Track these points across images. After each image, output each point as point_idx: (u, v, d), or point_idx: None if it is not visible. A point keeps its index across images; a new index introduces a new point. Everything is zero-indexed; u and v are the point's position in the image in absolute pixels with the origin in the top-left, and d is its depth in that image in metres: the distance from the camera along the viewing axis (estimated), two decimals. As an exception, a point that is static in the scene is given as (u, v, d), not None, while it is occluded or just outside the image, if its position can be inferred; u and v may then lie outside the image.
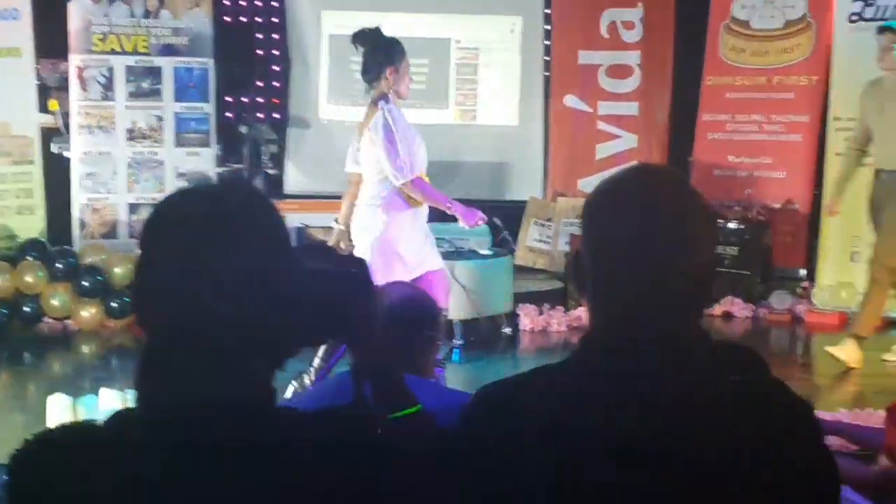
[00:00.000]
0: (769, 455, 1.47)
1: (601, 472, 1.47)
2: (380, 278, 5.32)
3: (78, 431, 1.41)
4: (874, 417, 5.10)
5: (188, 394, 1.36)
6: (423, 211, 5.69)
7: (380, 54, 5.58)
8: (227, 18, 9.27)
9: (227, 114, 9.13)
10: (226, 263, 1.37)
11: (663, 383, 1.50)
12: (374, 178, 5.59)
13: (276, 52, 9.61)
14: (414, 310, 2.78)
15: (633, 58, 9.30)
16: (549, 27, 9.61)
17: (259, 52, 9.55)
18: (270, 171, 9.45)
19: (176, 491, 1.33)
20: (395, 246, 5.51)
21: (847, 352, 6.68)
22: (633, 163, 8.10)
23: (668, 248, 1.55)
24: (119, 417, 1.42)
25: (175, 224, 1.41)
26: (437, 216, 8.20)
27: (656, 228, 1.55)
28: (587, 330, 1.62)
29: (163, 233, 1.42)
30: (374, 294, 1.61)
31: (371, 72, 5.59)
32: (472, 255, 7.53)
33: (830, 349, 6.81)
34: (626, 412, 1.49)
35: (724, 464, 1.46)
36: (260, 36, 9.62)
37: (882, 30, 6.98)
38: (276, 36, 9.71)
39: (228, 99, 9.20)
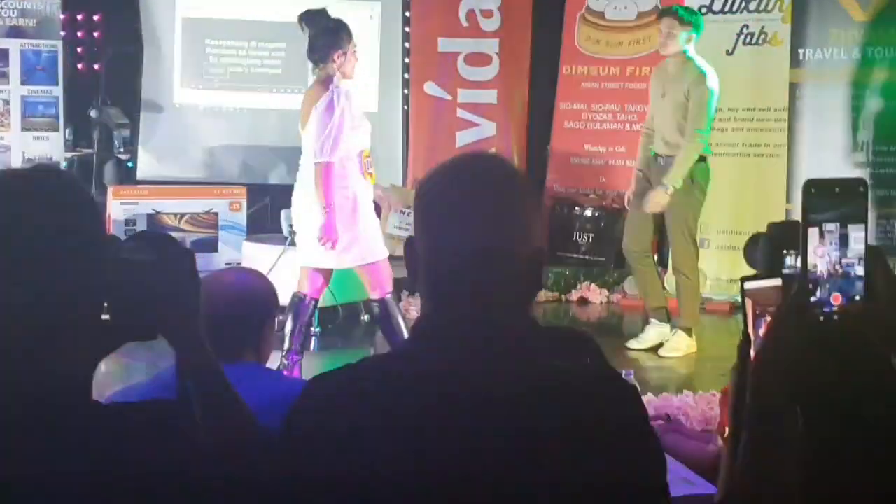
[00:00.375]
0: (592, 439, 1.49)
1: (429, 462, 1.47)
2: (332, 263, 5.59)
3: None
4: (716, 398, 5.26)
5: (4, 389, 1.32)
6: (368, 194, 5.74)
7: (328, 37, 5.79)
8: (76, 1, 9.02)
9: (77, 97, 8.88)
10: (34, 254, 1.32)
11: (490, 370, 1.52)
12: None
13: (127, 35, 9.39)
14: (259, 294, 2.77)
15: (491, 46, 9.37)
16: (408, 14, 9.62)
17: (110, 34, 9.32)
18: (122, 157, 9.24)
19: None
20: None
21: (678, 343, 6.87)
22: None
23: (494, 235, 1.56)
24: None
25: None
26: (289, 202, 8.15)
27: (482, 216, 1.57)
28: (418, 317, 1.64)
29: None
30: (195, 288, 1.56)
31: (318, 52, 5.78)
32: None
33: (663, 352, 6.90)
34: (454, 401, 1.50)
35: (549, 449, 1.48)
36: (112, 18, 9.39)
37: (662, 14, 6.98)
38: (128, 18, 9.49)
39: (78, 82, 8.95)
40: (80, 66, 9.03)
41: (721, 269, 8.36)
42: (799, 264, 1.39)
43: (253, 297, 2.73)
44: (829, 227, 1.36)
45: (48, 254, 1.35)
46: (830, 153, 7.58)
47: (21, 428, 1.32)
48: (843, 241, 1.36)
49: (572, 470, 1.47)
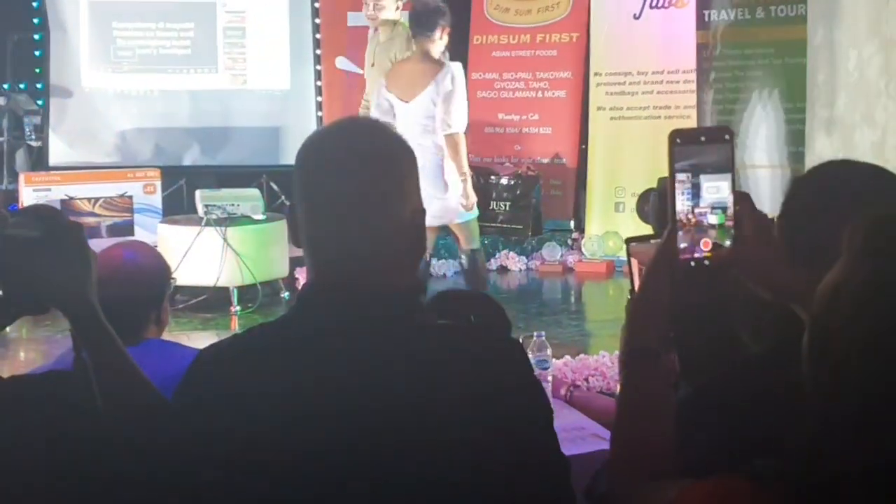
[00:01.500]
0: (478, 396, 1.52)
1: (313, 427, 1.49)
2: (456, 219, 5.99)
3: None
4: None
5: None
6: None
7: (436, 11, 6.07)
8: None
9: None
10: None
11: (372, 332, 1.53)
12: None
13: (33, 19, 9.23)
14: (158, 267, 2.77)
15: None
16: (316, -11, 9.57)
17: (14, 19, 9.14)
18: (33, 143, 9.10)
19: None
20: None
21: None
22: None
23: (371, 197, 1.58)
24: None
25: None
26: (213, 182, 8.10)
27: (361, 180, 1.58)
28: (304, 284, 1.65)
29: None
30: (85, 258, 1.57)
31: (426, 26, 6.02)
32: (246, 220, 7.47)
33: None
34: (339, 366, 1.51)
35: (435, 409, 1.50)
36: (15, 2, 9.21)
37: None
38: (33, 2, 9.33)
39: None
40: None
41: (638, 230, 8.46)
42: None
43: (148, 275, 2.72)
44: (695, 175, 1.42)
45: None
46: (738, 113, 7.71)
47: None
48: (711, 189, 1.42)
49: (456, 427, 1.50)
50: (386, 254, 1.58)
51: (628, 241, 1.60)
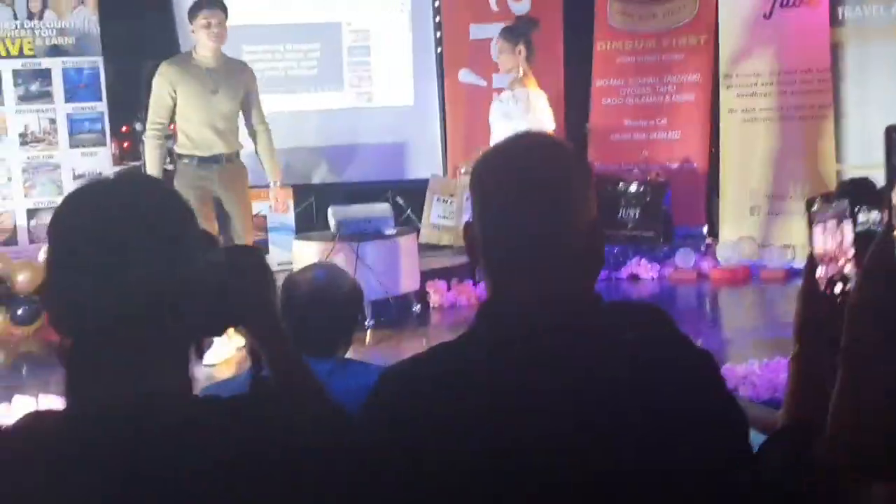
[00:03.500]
0: (674, 407, 1.50)
1: (507, 447, 1.47)
2: None
3: None
4: (782, 365, 5.24)
5: (113, 392, 1.35)
6: None
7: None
8: (113, 15, 9.08)
9: (121, 111, 8.96)
10: (136, 255, 1.36)
11: (560, 349, 1.52)
12: None
13: (166, 45, 9.45)
14: (353, 291, 2.81)
15: (523, 29, 9.34)
16: (438, 4, 9.62)
17: (148, 45, 9.38)
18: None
19: (96, 489, 1.31)
20: None
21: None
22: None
23: (552, 212, 1.57)
24: (29, 420, 1.39)
25: (80, 222, 1.39)
26: (341, 198, 8.21)
27: (540, 193, 1.57)
28: (483, 301, 1.64)
29: (68, 232, 1.40)
30: (270, 280, 1.62)
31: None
32: (377, 234, 7.53)
33: None
34: (527, 384, 1.50)
35: (630, 423, 1.48)
36: (149, 30, 9.45)
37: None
38: (165, 29, 9.57)
39: (121, 96, 9.03)
40: (121, 81, 9.08)
41: (774, 235, 8.30)
42: (872, 220, 1.41)
43: (336, 296, 2.76)
44: None
45: (145, 253, 1.37)
46: (876, 110, 7.50)
47: (124, 432, 1.34)
48: None
49: (655, 442, 1.47)
50: (566, 267, 1.57)
51: (809, 201, 1.55)
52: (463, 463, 1.48)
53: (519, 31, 7.04)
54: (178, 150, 6.77)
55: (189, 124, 6.63)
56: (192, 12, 6.63)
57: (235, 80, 6.74)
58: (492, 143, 6.65)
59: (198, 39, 6.64)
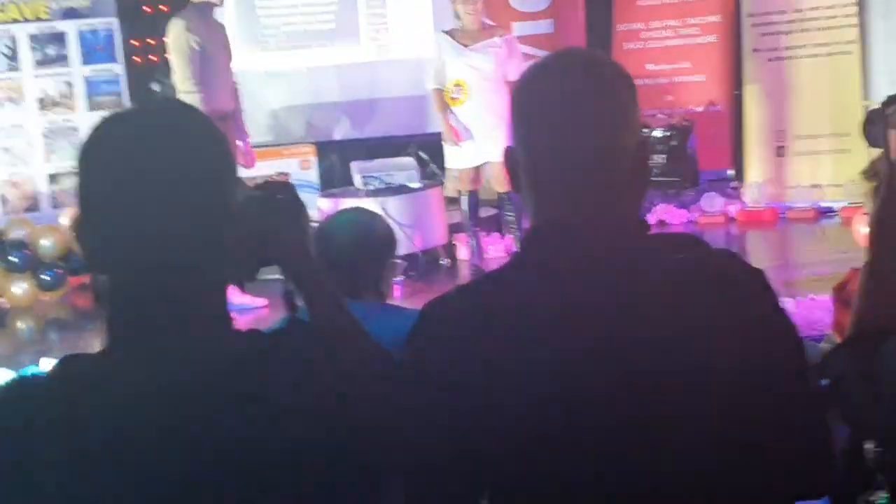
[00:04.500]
0: (732, 321, 1.46)
1: (570, 371, 1.43)
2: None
3: (21, 386, 1.34)
4: (817, 303, 5.19)
5: (152, 327, 1.30)
6: None
7: None
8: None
9: (137, 72, 8.91)
10: (175, 185, 1.29)
11: (615, 270, 1.47)
12: None
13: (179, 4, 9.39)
14: (378, 238, 2.77)
15: (542, -25, 9.22)
16: (455, -49, 9.49)
17: (164, 7, 9.32)
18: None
19: (140, 429, 1.26)
20: None
21: None
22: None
23: (600, 130, 1.51)
24: (66, 364, 1.33)
25: (113, 152, 1.31)
26: (364, 154, 8.15)
27: (586, 114, 1.51)
28: (528, 229, 1.59)
29: (101, 163, 1.32)
30: (304, 217, 1.60)
31: None
32: (402, 189, 7.49)
33: None
34: (580, 306, 1.45)
35: (690, 337, 1.44)
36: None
37: None
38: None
39: (137, 58, 8.98)
40: (136, 41, 9.02)
41: (801, 175, 8.20)
42: None
43: (372, 237, 2.74)
44: None
45: (183, 185, 1.31)
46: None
47: (167, 363, 1.29)
48: None
49: (716, 357, 1.43)
50: (613, 188, 1.51)
51: (887, 102, 1.55)
52: (519, 392, 1.43)
53: None
54: None
55: None
56: None
57: None
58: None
59: None
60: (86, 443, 1.24)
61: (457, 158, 7.04)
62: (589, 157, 1.50)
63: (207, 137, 1.35)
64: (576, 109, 1.51)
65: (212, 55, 6.48)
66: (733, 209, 8.35)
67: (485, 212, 7.55)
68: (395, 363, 1.56)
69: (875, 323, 1.65)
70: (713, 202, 8.43)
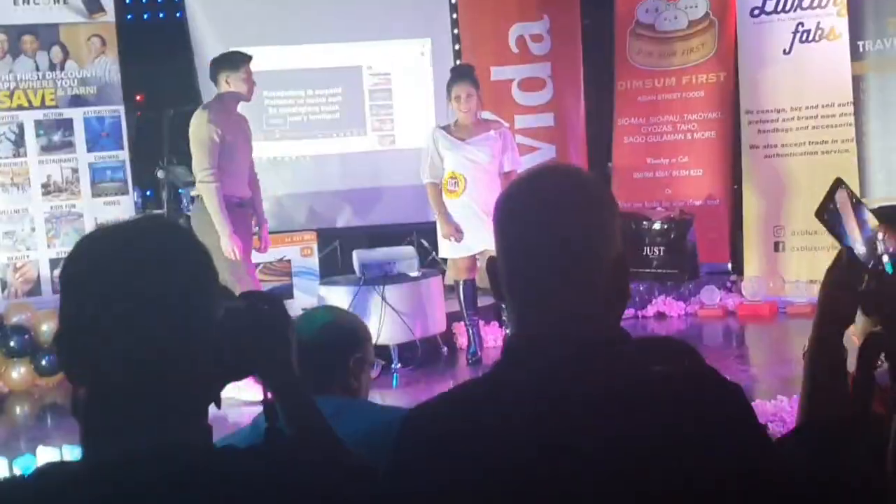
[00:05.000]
0: (703, 441, 1.46)
1: (539, 485, 1.45)
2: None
3: (2, 487, 1.36)
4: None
5: (130, 442, 1.32)
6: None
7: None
8: (134, 64, 9.17)
9: (142, 159, 9.02)
10: (153, 302, 1.33)
11: (587, 382, 1.49)
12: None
13: (187, 93, 9.54)
14: (343, 332, 2.76)
15: (544, 70, 9.36)
16: (458, 47, 9.66)
17: (169, 94, 9.47)
18: (190, 215, 9.36)
19: None
20: None
21: None
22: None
23: (576, 245, 1.54)
24: (46, 470, 1.37)
25: (93, 271, 1.36)
26: (365, 241, 8.20)
27: (563, 226, 1.54)
28: (508, 337, 1.62)
29: (81, 281, 1.36)
30: (290, 330, 1.60)
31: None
32: (402, 277, 7.52)
33: None
34: (555, 417, 1.47)
35: (659, 455, 1.44)
36: (169, 78, 9.54)
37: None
38: (186, 77, 9.66)
39: (142, 144, 9.10)
40: (142, 129, 9.16)
41: (800, 270, 8.24)
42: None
43: (334, 334, 2.73)
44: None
45: (161, 300, 1.34)
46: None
47: (143, 484, 1.31)
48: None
49: (684, 474, 1.44)
50: (590, 299, 1.53)
51: (819, 210, 1.62)
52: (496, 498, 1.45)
53: (475, 76, 7.22)
54: None
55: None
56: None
57: None
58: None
59: None
60: None
61: (452, 248, 7.18)
62: (565, 272, 1.53)
63: (187, 253, 1.39)
64: (554, 225, 1.54)
65: (233, 145, 6.62)
66: (732, 303, 8.37)
67: (483, 300, 7.57)
68: (374, 478, 1.57)
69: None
70: (712, 295, 8.46)
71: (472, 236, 7.01)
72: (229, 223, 6.42)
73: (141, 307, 1.32)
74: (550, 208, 1.56)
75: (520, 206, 1.60)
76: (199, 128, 6.55)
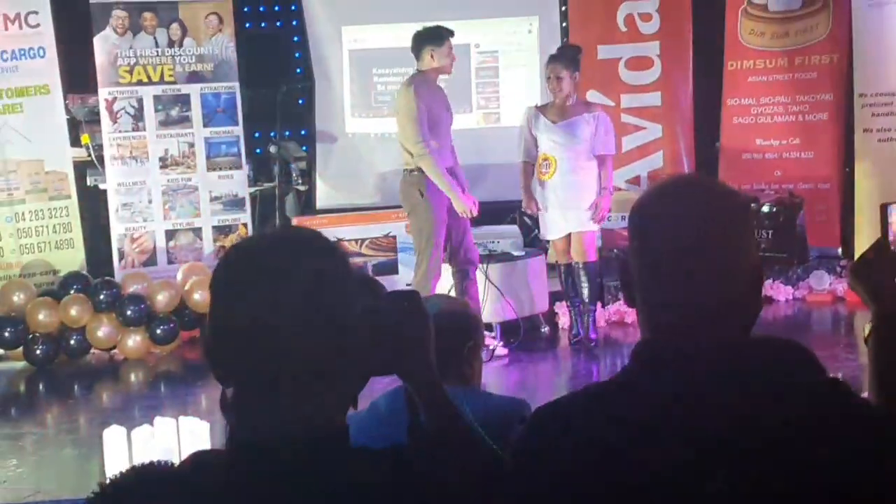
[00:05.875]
0: (829, 455, 1.48)
1: (664, 491, 1.48)
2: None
3: (153, 473, 1.46)
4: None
5: (270, 436, 1.41)
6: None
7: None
8: (250, 42, 9.36)
9: (256, 135, 9.21)
10: (298, 310, 1.41)
11: (722, 394, 1.51)
12: None
13: (299, 70, 9.73)
14: (456, 321, 2.82)
15: (652, 49, 9.29)
16: (566, 24, 9.64)
17: (283, 71, 9.65)
18: (301, 188, 9.54)
19: None
20: None
21: None
22: (679, 173, 8.24)
23: (716, 255, 1.57)
24: (197, 458, 1.47)
25: (241, 277, 1.45)
26: (472, 220, 8.28)
27: (706, 234, 1.58)
28: (639, 342, 1.64)
29: (230, 286, 1.46)
30: (429, 325, 1.65)
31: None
32: (505, 256, 7.58)
33: None
34: (681, 430, 1.50)
35: (798, 472, 1.47)
36: (283, 56, 9.71)
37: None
38: (298, 54, 9.84)
39: (256, 121, 9.29)
40: (256, 105, 9.35)
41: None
42: None
43: (447, 324, 2.79)
44: None
45: (322, 308, 1.43)
46: None
47: (284, 479, 1.39)
48: None
49: (814, 482, 1.46)
50: (728, 315, 1.57)
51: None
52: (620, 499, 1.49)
53: (575, 57, 7.11)
54: None
55: None
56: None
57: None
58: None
59: None
60: None
61: (547, 229, 7.27)
62: (704, 275, 1.57)
63: (328, 259, 1.47)
64: (690, 231, 1.58)
65: (438, 117, 6.81)
66: (841, 288, 8.24)
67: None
68: (502, 467, 1.62)
69: None
70: (821, 280, 8.35)
71: (563, 218, 7.06)
72: (456, 185, 6.71)
73: (285, 313, 1.40)
74: (694, 215, 1.59)
75: (662, 210, 1.63)
76: (408, 103, 6.73)
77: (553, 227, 7.15)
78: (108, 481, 1.45)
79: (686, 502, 1.48)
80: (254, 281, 1.43)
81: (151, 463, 1.48)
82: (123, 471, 1.46)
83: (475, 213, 6.80)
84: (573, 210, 6.98)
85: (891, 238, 1.79)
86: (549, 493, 1.54)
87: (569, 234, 7.09)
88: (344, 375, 1.46)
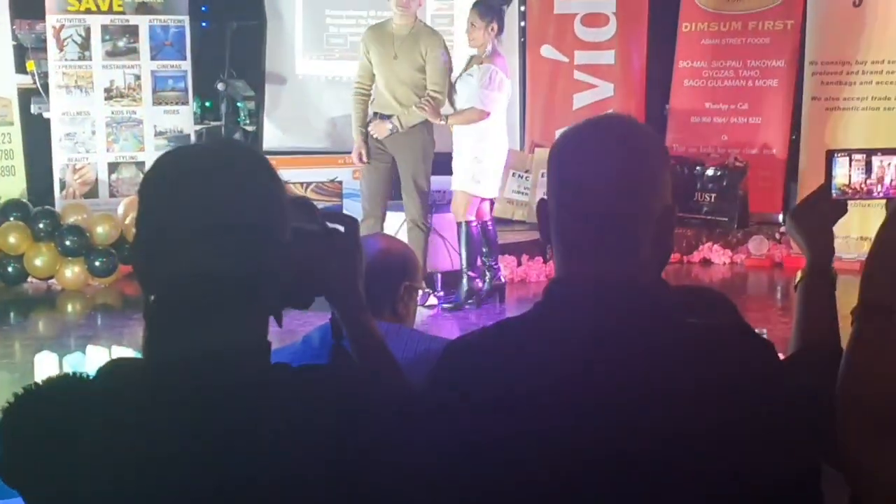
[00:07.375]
0: (727, 394, 1.50)
1: (570, 425, 1.49)
2: None
3: (68, 383, 1.45)
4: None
5: (190, 346, 1.40)
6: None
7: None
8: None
9: (203, 71, 9.08)
10: (226, 219, 1.40)
11: (624, 332, 1.53)
12: None
13: (251, 8, 9.57)
14: (396, 259, 2.82)
15: (608, 6, 9.30)
16: (524, -24, 9.60)
17: (234, 8, 9.49)
18: (248, 128, 9.44)
19: (173, 438, 1.36)
20: None
21: None
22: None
23: (625, 193, 1.57)
24: (114, 367, 1.45)
25: (176, 181, 1.43)
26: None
27: (615, 173, 1.58)
28: (551, 280, 1.66)
29: (159, 193, 1.44)
30: (361, 252, 1.65)
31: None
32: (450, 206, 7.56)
33: None
34: (591, 364, 1.51)
35: (688, 407, 1.48)
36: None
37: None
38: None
39: (203, 56, 9.16)
40: (205, 40, 9.22)
41: (850, 226, 8.19)
42: None
43: (392, 257, 2.79)
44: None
45: (248, 224, 1.42)
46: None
47: (203, 388, 1.39)
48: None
49: (712, 426, 1.48)
50: (636, 251, 1.58)
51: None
52: (523, 442, 1.50)
53: (494, 7, 6.98)
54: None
55: (376, 85, 7.07)
56: None
57: (418, 48, 6.93)
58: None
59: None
60: (123, 445, 1.36)
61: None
62: (613, 221, 1.57)
63: (260, 175, 1.46)
64: (605, 175, 1.58)
65: (376, 63, 7.03)
66: (779, 254, 8.35)
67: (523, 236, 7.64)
68: (417, 399, 1.63)
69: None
70: (760, 245, 8.44)
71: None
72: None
73: (214, 223, 1.39)
74: (604, 154, 1.59)
75: (574, 149, 1.64)
76: (439, 53, 6.87)
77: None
78: (22, 390, 1.43)
79: (589, 438, 1.49)
80: (183, 185, 1.42)
81: (66, 374, 1.47)
82: (39, 381, 1.45)
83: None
84: (456, 167, 7.11)
85: (833, 187, 1.82)
86: (460, 423, 1.54)
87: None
88: (267, 292, 1.45)
